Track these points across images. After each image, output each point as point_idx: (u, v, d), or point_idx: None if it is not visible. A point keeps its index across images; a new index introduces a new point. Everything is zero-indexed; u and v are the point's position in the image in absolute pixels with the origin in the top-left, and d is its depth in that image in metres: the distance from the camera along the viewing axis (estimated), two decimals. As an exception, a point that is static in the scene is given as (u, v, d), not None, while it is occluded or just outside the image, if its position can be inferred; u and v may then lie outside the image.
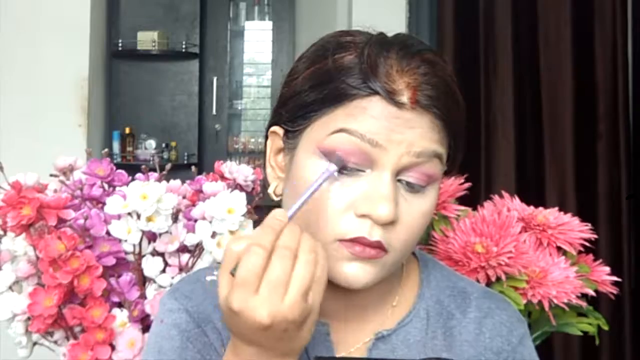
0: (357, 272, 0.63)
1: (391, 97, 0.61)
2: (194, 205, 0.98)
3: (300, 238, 0.57)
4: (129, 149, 3.59)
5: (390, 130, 0.61)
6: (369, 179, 0.63)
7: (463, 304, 0.73)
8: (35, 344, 0.96)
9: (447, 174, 0.68)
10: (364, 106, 0.62)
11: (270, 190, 0.70)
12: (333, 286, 0.68)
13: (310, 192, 0.62)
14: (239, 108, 4.09)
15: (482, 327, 0.72)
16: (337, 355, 0.70)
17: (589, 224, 1.07)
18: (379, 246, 0.63)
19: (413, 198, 0.64)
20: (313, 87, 0.65)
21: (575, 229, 1.06)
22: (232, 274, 0.55)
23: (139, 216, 0.89)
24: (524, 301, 0.96)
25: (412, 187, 0.64)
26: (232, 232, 0.89)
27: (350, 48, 0.65)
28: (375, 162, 0.62)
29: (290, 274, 0.55)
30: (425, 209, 0.65)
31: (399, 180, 0.63)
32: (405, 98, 0.61)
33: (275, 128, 0.70)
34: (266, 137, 0.72)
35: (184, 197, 1.00)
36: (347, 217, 0.63)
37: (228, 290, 0.56)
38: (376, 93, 0.61)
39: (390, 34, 0.68)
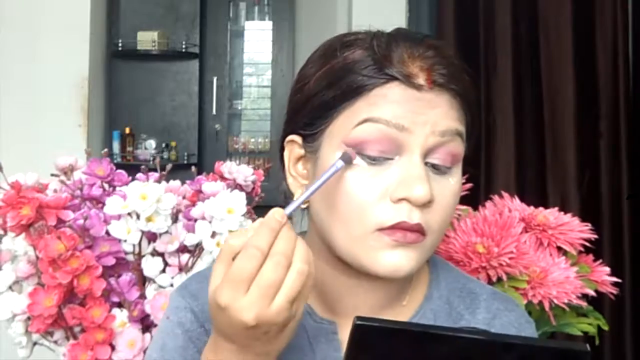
0: (400, 260, 0.64)
1: (409, 80, 0.63)
2: (193, 205, 0.97)
3: (295, 245, 0.58)
4: (129, 149, 3.58)
5: (413, 112, 0.62)
6: (399, 164, 0.64)
7: (472, 305, 0.74)
8: (35, 344, 0.96)
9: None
10: (384, 93, 0.63)
11: None
12: (343, 284, 0.69)
13: (313, 189, 0.62)
14: (239, 108, 4.08)
15: (490, 328, 0.72)
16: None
17: (589, 224, 1.07)
18: (418, 230, 0.63)
19: (441, 179, 0.65)
20: (328, 86, 0.65)
21: (575, 229, 1.06)
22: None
23: (138, 216, 0.89)
24: (525, 301, 0.96)
25: (438, 169, 0.65)
26: (231, 232, 0.89)
27: (357, 44, 0.66)
28: (403, 147, 0.63)
29: (282, 281, 0.56)
30: (455, 189, 0.67)
31: (426, 164, 0.64)
32: (422, 80, 0.63)
33: (292, 137, 0.70)
34: (282, 149, 0.72)
35: (183, 198, 1.00)
36: (384, 205, 0.63)
37: (220, 282, 0.57)
38: (394, 79, 0.63)
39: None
